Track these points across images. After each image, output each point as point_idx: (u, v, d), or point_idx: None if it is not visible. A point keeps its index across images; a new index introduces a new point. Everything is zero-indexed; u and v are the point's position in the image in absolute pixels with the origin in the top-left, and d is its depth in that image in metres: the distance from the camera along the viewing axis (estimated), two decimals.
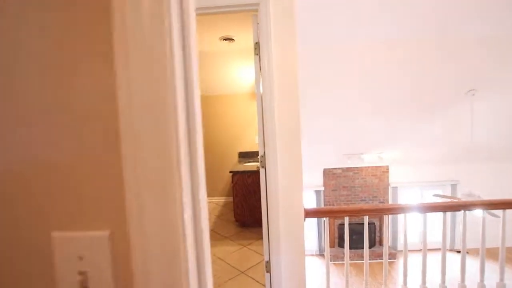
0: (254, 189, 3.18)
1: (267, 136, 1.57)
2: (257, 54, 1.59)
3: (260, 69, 1.55)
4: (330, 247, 6.11)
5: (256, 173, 3.16)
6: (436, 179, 5.89)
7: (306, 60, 2.75)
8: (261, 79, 1.56)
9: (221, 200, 4.55)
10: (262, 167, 1.66)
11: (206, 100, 4.44)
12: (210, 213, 3.90)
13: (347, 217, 1.76)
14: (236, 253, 2.55)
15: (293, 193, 1.59)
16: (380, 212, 1.48)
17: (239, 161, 4.03)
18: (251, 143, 4.44)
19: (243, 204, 3.21)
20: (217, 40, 3.09)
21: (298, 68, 1.55)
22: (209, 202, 4.47)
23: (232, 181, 3.20)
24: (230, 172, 3.18)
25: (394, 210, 1.81)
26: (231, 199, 4.51)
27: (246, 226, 3.26)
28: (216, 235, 3.05)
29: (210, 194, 4.58)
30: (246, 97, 4.38)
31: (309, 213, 1.62)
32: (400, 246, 6.08)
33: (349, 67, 3.10)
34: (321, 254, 6.18)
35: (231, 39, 3.11)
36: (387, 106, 3.75)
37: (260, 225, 3.21)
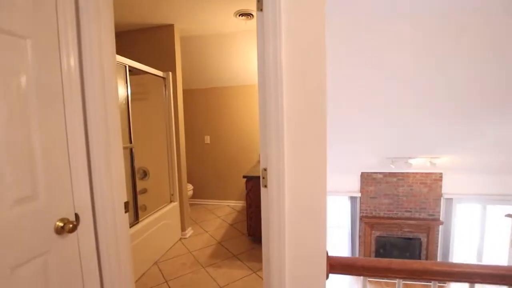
0: None
1: (269, 140, 0.99)
2: (260, 10, 1.01)
3: (264, 34, 0.97)
4: None
5: None
6: (504, 192, 4.76)
7: (336, 38, 2.08)
8: (264, 51, 0.98)
9: (238, 204, 4.06)
10: (264, 186, 1.09)
11: (220, 92, 3.95)
12: (223, 220, 3.42)
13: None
14: (241, 282, 2.03)
15: (309, 230, 1.00)
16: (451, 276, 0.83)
17: (259, 161, 3.49)
18: None
19: (258, 216, 2.66)
20: (232, 16, 2.54)
21: (325, 35, 0.94)
22: (225, 206, 4.00)
23: (246, 188, 2.67)
24: (244, 177, 2.65)
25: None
26: None
27: (261, 242, 2.70)
28: (224, 252, 2.55)
29: (226, 197, 4.11)
30: None
31: (335, 267, 1.01)
32: None
33: (393, 47, 2.33)
34: None
35: (249, 15, 2.54)
36: (444, 101, 2.87)
37: None
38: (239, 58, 3.37)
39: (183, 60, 3.35)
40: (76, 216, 1.05)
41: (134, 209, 2.25)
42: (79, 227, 1.05)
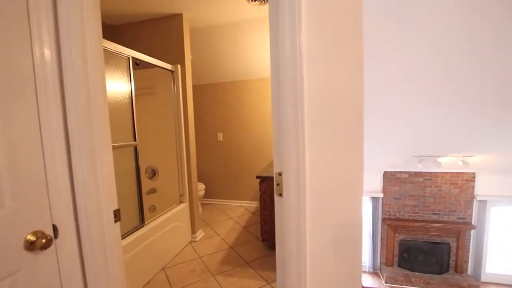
0: None
1: (286, 141, 0.78)
2: None
3: (279, 14, 0.76)
4: (388, 265, 5.00)
5: None
6: None
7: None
8: (278, 37, 0.76)
9: (251, 205, 3.86)
10: (279, 194, 0.88)
11: (233, 87, 3.74)
12: (236, 222, 3.24)
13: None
14: None
15: (338, 259, 0.78)
16: None
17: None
18: None
19: (273, 220, 2.45)
20: (244, 1, 2.32)
21: (362, 15, 0.72)
22: (238, 207, 3.82)
23: (260, 189, 2.47)
24: (258, 177, 2.44)
25: None
26: None
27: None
28: (236, 258, 2.36)
29: (239, 197, 3.92)
30: None
31: None
32: (485, 276, 4.68)
33: (422, 32, 2.01)
34: (375, 272, 5.12)
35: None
36: (477, 96, 2.50)
37: None
38: (252, 49, 3.15)
39: (193, 55, 3.18)
40: (54, 228, 0.88)
41: (140, 211, 2.10)
42: (58, 241, 0.88)
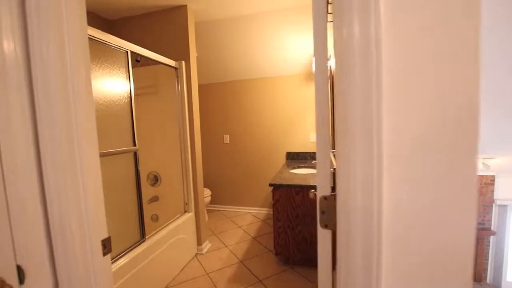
0: (304, 212, 2.15)
1: (350, 123, 0.53)
2: None
3: None
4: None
5: (308, 189, 2.12)
6: None
7: None
8: (342, 24, 0.52)
9: (261, 212, 3.62)
10: (324, 226, 0.64)
11: (241, 86, 3.51)
12: (245, 231, 3.00)
13: None
14: None
15: None
16: None
17: (288, 165, 3.03)
18: (302, 141, 3.37)
19: (288, 232, 2.21)
20: None
21: None
22: (247, 213, 3.58)
23: (273, 198, 2.23)
24: (270, 185, 2.20)
25: None
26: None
27: (291, 264, 2.26)
28: (247, 275, 2.13)
29: (247, 203, 3.68)
30: (297, 80, 3.30)
31: None
32: (506, 285, 4.39)
33: None
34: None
35: None
36: (502, 89, 2.21)
37: (312, 266, 2.19)
38: (264, 45, 2.91)
39: (198, 52, 2.95)
40: (20, 270, 0.65)
41: (140, 225, 1.87)
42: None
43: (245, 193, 3.68)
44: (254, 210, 3.65)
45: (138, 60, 2.27)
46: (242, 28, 2.73)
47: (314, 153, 3.29)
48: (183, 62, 2.29)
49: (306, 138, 3.35)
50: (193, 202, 2.45)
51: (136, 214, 1.89)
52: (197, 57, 2.75)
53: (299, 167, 2.94)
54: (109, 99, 1.66)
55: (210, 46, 3.02)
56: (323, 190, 0.64)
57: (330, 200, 0.63)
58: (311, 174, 2.48)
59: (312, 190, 1.33)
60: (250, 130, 3.57)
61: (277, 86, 3.40)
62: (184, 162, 2.39)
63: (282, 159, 3.47)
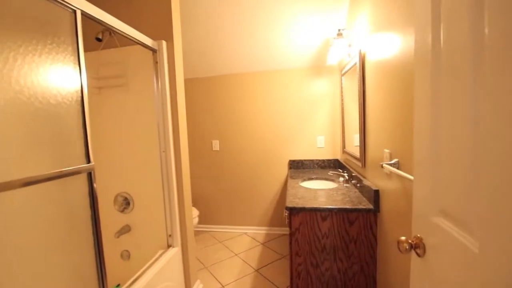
0: (333, 244, 1.60)
1: None
2: None
3: None
4: None
5: (341, 214, 1.57)
6: None
7: None
8: None
9: (259, 232, 3.02)
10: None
11: (233, 80, 2.93)
12: (244, 261, 2.39)
13: None
14: None
15: None
16: None
17: (292, 176, 2.47)
18: (308, 147, 2.84)
19: (310, 272, 1.64)
20: None
21: None
22: (242, 234, 2.97)
23: (291, 225, 1.65)
24: (288, 208, 1.63)
25: None
26: (275, 230, 2.98)
27: None
28: None
29: (242, 222, 3.08)
30: (303, 74, 2.78)
31: None
32: None
33: None
34: None
35: None
36: None
37: None
38: (263, 30, 2.35)
39: (182, 36, 2.34)
40: None
41: (100, 278, 1.22)
42: None
43: (239, 210, 3.07)
44: (251, 230, 3.05)
45: (99, 38, 1.62)
46: (236, 8, 2.16)
47: (322, 161, 2.78)
48: (164, 43, 1.67)
49: (313, 143, 2.83)
50: (179, 231, 1.81)
51: (94, 263, 1.23)
52: (182, 45, 2.11)
53: (310, 179, 2.39)
54: (41, 95, 1.01)
55: (196, 29, 2.41)
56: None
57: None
58: (333, 188, 1.94)
59: (405, 238, 0.78)
60: (245, 134, 2.98)
61: (278, 82, 2.85)
62: (166, 178, 1.76)
63: (284, 168, 2.92)
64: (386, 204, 1.40)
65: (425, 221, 0.71)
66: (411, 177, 1.00)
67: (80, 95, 1.12)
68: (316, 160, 2.81)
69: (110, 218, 1.87)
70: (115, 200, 1.85)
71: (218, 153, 3.08)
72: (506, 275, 0.44)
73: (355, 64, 1.85)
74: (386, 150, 1.34)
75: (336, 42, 1.98)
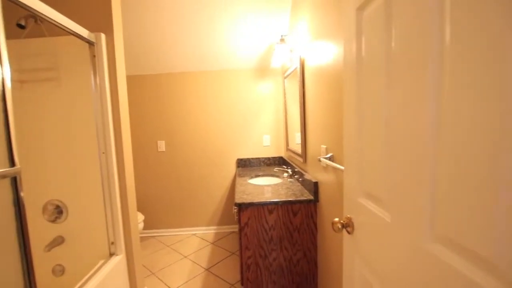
0: (279, 235, 1.72)
1: None
2: None
3: None
4: None
5: (285, 206, 1.70)
6: None
7: None
8: None
9: (208, 232, 3.02)
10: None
11: (179, 79, 2.88)
12: (193, 262, 2.37)
13: None
14: None
15: None
16: None
17: (240, 174, 2.55)
18: (255, 146, 2.96)
19: (259, 263, 1.73)
20: None
21: None
22: (191, 236, 2.93)
23: (240, 220, 1.72)
24: (237, 204, 1.69)
25: None
26: (225, 228, 3.02)
27: None
28: None
29: (191, 223, 3.03)
30: (250, 75, 2.88)
31: None
32: None
33: None
34: None
35: None
36: None
37: None
38: (211, 30, 2.37)
39: (124, 29, 2.20)
40: None
41: None
42: None
43: (188, 212, 3.02)
44: (200, 231, 3.03)
45: (21, 25, 1.44)
46: (178, 4, 2.14)
47: (268, 158, 2.92)
48: (103, 35, 1.56)
49: (259, 142, 2.95)
50: (122, 238, 1.71)
51: (21, 280, 1.09)
52: (124, 39, 1.97)
53: (257, 176, 2.50)
54: None
55: (139, 23, 2.30)
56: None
57: None
58: (278, 184, 2.08)
59: (337, 219, 0.91)
60: (192, 134, 2.94)
61: (225, 82, 2.89)
62: (107, 182, 1.64)
63: (232, 167, 2.97)
64: (324, 194, 1.57)
65: (353, 203, 0.85)
66: (343, 168, 1.15)
67: (1, 88, 0.99)
68: (263, 158, 2.94)
69: (38, 230, 1.66)
70: (45, 209, 1.65)
71: (164, 154, 2.97)
72: (410, 235, 0.57)
73: (296, 68, 2.01)
74: (323, 146, 1.51)
75: (278, 47, 2.11)
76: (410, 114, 0.55)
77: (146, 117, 2.92)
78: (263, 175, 2.51)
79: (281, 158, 2.92)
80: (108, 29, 1.58)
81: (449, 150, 0.46)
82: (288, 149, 2.61)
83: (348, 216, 0.88)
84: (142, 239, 2.92)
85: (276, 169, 2.56)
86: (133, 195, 1.83)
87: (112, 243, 1.68)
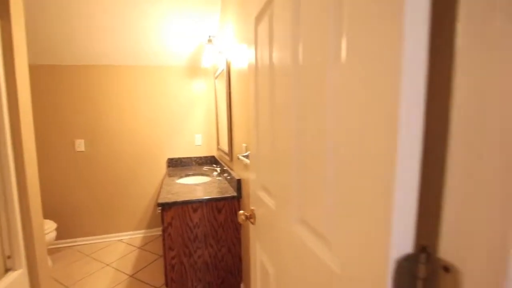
0: (204, 232, 1.75)
1: None
2: None
3: None
4: None
5: (210, 204, 1.74)
6: None
7: None
8: None
9: (136, 236, 2.87)
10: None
11: (102, 73, 2.68)
12: (116, 269, 2.23)
13: None
14: None
15: None
16: None
17: (170, 174, 2.49)
18: (187, 145, 2.93)
19: (184, 262, 1.74)
20: None
21: None
22: (116, 242, 2.73)
23: (163, 221, 1.69)
24: (160, 204, 1.66)
25: None
26: (154, 231, 2.91)
27: None
28: None
29: (116, 228, 2.84)
30: (181, 72, 2.83)
31: None
32: None
33: None
34: None
35: None
36: None
37: None
38: (138, 23, 2.25)
39: (29, 11, 1.94)
40: None
41: None
42: None
43: (113, 216, 2.81)
44: (127, 236, 2.85)
45: None
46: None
47: (199, 157, 2.92)
48: None
49: (191, 141, 2.93)
50: (23, 251, 1.51)
51: None
52: (31, 23, 1.70)
53: (187, 176, 2.48)
54: None
55: (60, 8, 2.05)
56: (399, 242, 0.32)
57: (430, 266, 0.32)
58: (207, 182, 2.11)
59: (242, 211, 0.99)
60: (117, 133, 2.75)
61: (156, 78, 2.78)
62: (2, 188, 1.43)
63: (163, 167, 2.88)
64: (245, 190, 1.67)
65: (255, 195, 0.94)
66: None
67: None
68: (194, 157, 2.92)
69: None
70: None
71: (84, 154, 2.70)
72: (286, 219, 0.67)
73: (223, 70, 2.07)
74: (244, 144, 1.61)
75: (207, 48, 2.14)
76: (284, 117, 0.66)
77: (61, 113, 2.61)
78: (193, 175, 2.50)
79: (213, 157, 2.96)
80: (3, 13, 1.38)
81: (302, 150, 0.57)
82: (218, 148, 2.66)
83: (252, 208, 0.97)
84: (56, 250, 2.60)
85: (205, 168, 2.59)
86: (38, 201, 1.63)
87: (9, 257, 1.47)
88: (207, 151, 2.98)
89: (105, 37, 2.36)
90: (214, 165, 2.70)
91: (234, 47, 1.81)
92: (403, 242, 0.30)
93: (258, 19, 0.85)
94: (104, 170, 2.75)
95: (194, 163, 2.93)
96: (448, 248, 0.29)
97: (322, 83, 0.48)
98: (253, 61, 0.91)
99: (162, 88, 2.81)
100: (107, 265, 2.31)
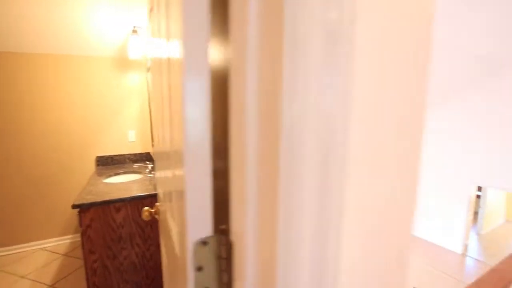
0: (130, 232, 1.69)
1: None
2: None
3: None
4: None
5: (135, 202, 1.68)
6: None
7: None
8: None
9: (63, 242, 2.62)
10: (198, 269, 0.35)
11: (10, 60, 2.36)
12: (34, 281, 2.02)
13: None
14: None
15: None
16: None
17: (99, 173, 2.31)
18: (119, 142, 2.75)
19: (108, 265, 1.66)
20: None
21: None
22: (38, 250, 2.46)
23: (81, 224, 1.57)
24: (75, 206, 1.53)
25: None
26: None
27: None
28: None
29: (39, 235, 2.56)
30: (110, 64, 2.62)
31: None
32: None
33: None
34: None
35: None
36: None
37: None
38: (61, 6, 2.01)
39: None
40: None
41: None
42: None
43: (34, 223, 2.52)
44: (51, 243, 2.59)
45: None
46: None
47: (134, 155, 2.78)
48: None
49: (124, 137, 2.76)
50: None
51: None
52: None
53: (116, 175, 2.34)
54: None
55: None
56: (198, 227, 0.35)
57: (215, 247, 0.36)
58: (136, 180, 2.02)
59: (147, 208, 0.98)
60: (34, 129, 2.45)
61: (80, 69, 2.53)
62: None
63: (91, 166, 2.67)
64: None
65: (158, 191, 0.94)
66: None
67: None
68: (128, 154, 2.77)
69: None
70: None
71: None
72: (166, 210, 0.69)
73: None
74: None
75: (132, 39, 2.03)
76: (158, 109, 0.66)
77: None
78: (123, 173, 2.37)
79: (148, 154, 2.84)
80: None
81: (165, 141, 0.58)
82: (153, 145, 2.56)
83: (158, 204, 0.97)
84: None
85: (136, 165, 2.47)
86: None
87: None
88: (142, 148, 2.84)
89: (20, 20, 2.06)
90: (147, 162, 2.59)
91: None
92: (200, 228, 0.34)
93: (152, 10, 0.84)
94: (18, 172, 2.43)
95: (127, 160, 2.77)
96: (233, 229, 0.34)
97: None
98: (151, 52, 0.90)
99: (89, 80, 2.58)
100: (22, 277, 2.08)
